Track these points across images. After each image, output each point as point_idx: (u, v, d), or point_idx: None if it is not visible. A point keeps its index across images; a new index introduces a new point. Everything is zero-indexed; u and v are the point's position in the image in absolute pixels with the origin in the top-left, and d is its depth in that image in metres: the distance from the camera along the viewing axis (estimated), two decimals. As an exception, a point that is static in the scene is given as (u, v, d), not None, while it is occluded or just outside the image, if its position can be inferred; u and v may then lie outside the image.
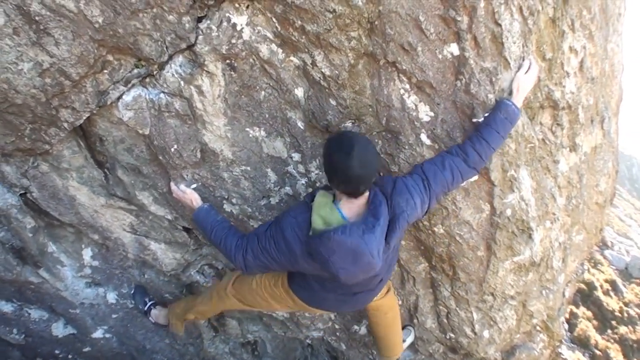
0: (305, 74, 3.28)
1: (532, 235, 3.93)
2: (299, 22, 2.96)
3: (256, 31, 3.08)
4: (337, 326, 5.05)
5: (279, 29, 3.06)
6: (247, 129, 3.52)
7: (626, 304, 15.99)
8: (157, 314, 4.63)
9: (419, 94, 3.23)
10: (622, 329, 14.54)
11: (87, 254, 4.36)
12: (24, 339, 4.73)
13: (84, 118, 3.26)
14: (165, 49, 3.03)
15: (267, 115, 3.47)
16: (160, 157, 3.53)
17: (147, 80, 3.24)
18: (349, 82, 3.21)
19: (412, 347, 4.89)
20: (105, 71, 3.06)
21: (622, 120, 5.27)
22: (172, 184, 3.66)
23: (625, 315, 15.31)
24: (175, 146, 3.47)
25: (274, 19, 3.03)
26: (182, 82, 3.21)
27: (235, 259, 3.02)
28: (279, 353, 5.62)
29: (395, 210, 2.76)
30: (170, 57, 3.14)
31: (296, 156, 3.65)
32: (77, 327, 4.83)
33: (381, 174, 3.65)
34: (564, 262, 4.66)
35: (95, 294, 4.63)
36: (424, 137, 3.36)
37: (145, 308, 4.65)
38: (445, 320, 4.46)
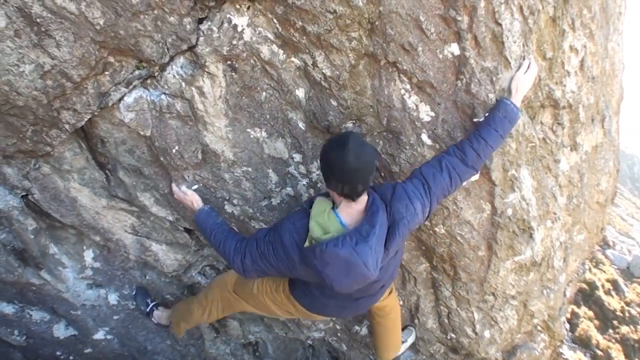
0: (306, 74, 3.28)
1: (533, 235, 3.93)
2: (300, 23, 2.97)
3: (257, 32, 3.09)
4: (338, 327, 5.05)
5: (280, 29, 3.07)
6: (248, 130, 3.52)
7: (628, 304, 15.97)
8: (160, 315, 4.63)
9: (420, 94, 3.24)
10: (624, 329, 14.52)
11: (88, 255, 4.36)
12: (25, 341, 4.73)
13: (86, 120, 3.27)
14: (166, 50, 3.04)
15: (268, 116, 3.47)
16: (162, 159, 3.54)
17: (149, 81, 3.25)
18: (350, 82, 3.22)
19: (413, 347, 4.89)
20: (107, 73, 3.07)
21: (623, 119, 5.27)
22: (174, 185, 3.66)
23: (627, 315, 15.30)
24: (177, 147, 3.47)
25: (274, 20, 3.03)
26: (183, 84, 3.22)
27: (234, 263, 3.01)
28: (280, 354, 5.62)
29: (394, 216, 2.73)
30: (172, 59, 3.15)
31: (297, 157, 3.65)
32: (78, 328, 4.83)
33: (382, 173, 3.66)
34: (565, 262, 4.66)
35: (96, 295, 4.63)
36: (424, 137, 3.36)
37: (148, 309, 4.65)
38: (446, 321, 4.46)
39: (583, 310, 14.58)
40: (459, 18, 2.93)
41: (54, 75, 2.89)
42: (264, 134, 3.55)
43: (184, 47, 3.07)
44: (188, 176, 3.67)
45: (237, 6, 2.99)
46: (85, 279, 4.50)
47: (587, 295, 15.44)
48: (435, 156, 3.07)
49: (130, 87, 3.21)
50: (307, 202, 2.94)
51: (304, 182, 3.76)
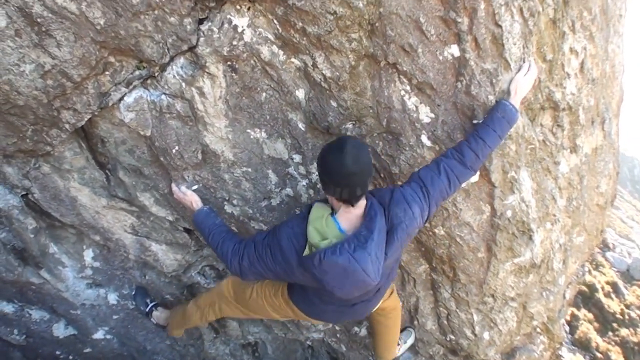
0: (306, 75, 3.29)
1: (533, 237, 3.93)
2: (300, 24, 2.97)
3: (257, 33, 3.09)
4: (337, 328, 5.05)
5: (280, 30, 3.07)
6: (248, 131, 3.53)
7: (627, 306, 15.99)
8: (159, 315, 4.63)
9: (420, 96, 3.24)
10: (623, 331, 14.53)
11: (88, 255, 4.37)
12: (25, 340, 4.74)
13: (86, 119, 3.27)
14: (166, 50, 3.04)
15: (268, 117, 3.48)
16: (162, 159, 3.54)
17: (149, 81, 3.25)
18: (350, 83, 3.22)
19: (413, 348, 4.89)
20: (107, 73, 3.07)
21: (623, 121, 5.27)
22: (173, 185, 3.66)
23: (627, 317, 15.31)
24: (177, 147, 3.48)
25: (275, 21, 3.04)
26: (183, 84, 3.22)
27: (231, 264, 3.00)
28: (280, 354, 5.63)
29: (393, 221, 2.71)
30: (172, 59, 3.15)
31: (297, 157, 3.65)
32: (78, 327, 4.84)
33: (382, 174, 3.66)
34: (564, 264, 4.66)
35: (96, 294, 4.64)
36: (424, 138, 3.37)
37: (147, 309, 4.66)
38: (445, 322, 4.46)
39: (583, 313, 14.59)
40: (459, 20, 2.93)
41: (54, 75, 2.89)
42: (263, 134, 3.55)
43: (185, 47, 3.08)
44: (188, 176, 3.67)
45: (238, 7, 2.99)
46: (85, 279, 4.50)
47: (587, 298, 15.45)
48: (433, 159, 3.05)
49: (131, 87, 3.21)
50: (305, 207, 2.92)
51: (304, 183, 3.76)
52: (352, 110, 3.33)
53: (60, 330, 4.82)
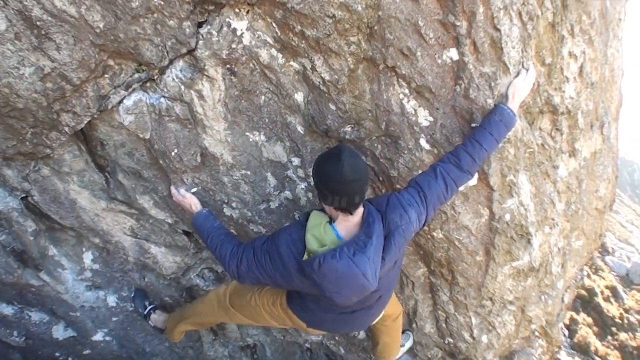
0: (305, 78, 3.29)
1: (531, 241, 3.93)
2: (299, 27, 2.98)
3: (256, 36, 3.10)
4: (336, 330, 5.06)
5: (279, 34, 3.08)
6: (247, 133, 3.53)
7: (627, 311, 15.95)
8: (157, 318, 4.64)
9: (418, 99, 3.25)
10: (623, 336, 14.50)
11: (87, 257, 4.37)
12: (25, 342, 4.74)
13: (85, 122, 3.28)
14: (165, 53, 3.05)
15: (267, 120, 3.48)
16: (161, 161, 3.55)
17: (148, 84, 3.26)
18: (349, 86, 3.23)
19: (411, 351, 4.89)
20: (106, 76, 3.08)
21: (623, 125, 5.27)
22: (173, 188, 3.67)
23: (626, 321, 15.28)
24: (176, 150, 3.48)
25: (274, 24, 3.05)
26: (182, 87, 3.23)
27: (229, 267, 3.00)
28: (278, 357, 5.63)
29: (390, 226, 2.71)
30: (171, 62, 3.16)
31: (296, 160, 3.66)
32: (77, 329, 4.84)
33: (380, 178, 3.67)
34: (563, 268, 4.66)
35: (95, 297, 4.64)
36: (423, 141, 3.37)
37: (145, 312, 4.66)
38: (443, 325, 4.46)
39: (582, 317, 14.56)
40: (458, 23, 2.94)
41: (53, 78, 2.90)
42: (262, 137, 3.56)
43: (184, 50, 3.08)
44: (187, 179, 3.67)
45: (237, 10, 3.00)
46: (85, 281, 4.50)
47: (586, 302, 15.43)
48: (430, 165, 3.07)
49: (130, 90, 3.22)
50: (303, 214, 2.91)
51: (303, 186, 3.77)
52: (350, 113, 3.34)
53: (59, 332, 4.81)
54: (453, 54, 3.07)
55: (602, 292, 16.32)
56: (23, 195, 3.74)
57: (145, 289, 4.76)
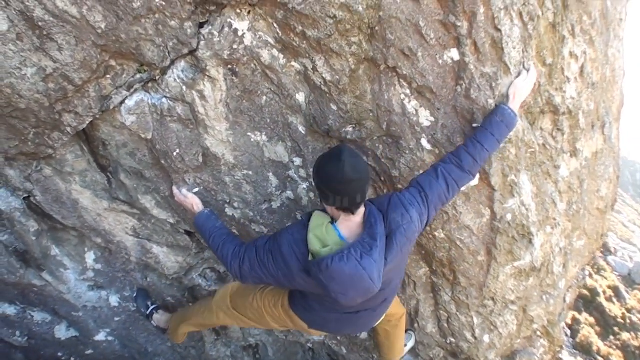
0: (306, 79, 3.30)
1: (533, 241, 3.93)
2: (300, 28, 2.98)
3: (257, 36, 3.10)
4: (338, 330, 5.06)
5: (280, 34, 3.08)
6: (249, 134, 3.54)
7: (629, 310, 15.96)
8: (159, 318, 4.64)
9: (420, 99, 3.25)
10: (625, 336, 14.51)
11: (90, 257, 4.38)
12: (27, 342, 4.75)
13: (87, 122, 3.29)
14: (167, 54, 3.06)
15: (268, 120, 3.49)
16: (163, 161, 3.55)
17: (150, 85, 3.27)
18: (350, 87, 3.23)
19: (413, 351, 4.89)
20: (108, 76, 3.08)
21: (625, 126, 5.28)
22: (175, 188, 3.67)
23: (628, 321, 15.29)
24: (178, 150, 3.49)
25: (275, 25, 3.05)
26: (184, 87, 3.24)
27: (231, 267, 3.00)
28: (281, 357, 5.63)
29: (391, 226, 2.71)
30: (173, 62, 3.16)
31: (297, 161, 3.66)
32: (79, 329, 4.85)
33: (382, 178, 3.67)
34: (564, 268, 4.66)
35: (98, 297, 4.65)
36: (424, 142, 3.37)
37: (148, 312, 4.67)
38: (445, 325, 4.46)
39: (584, 317, 14.57)
40: (459, 24, 2.94)
41: (55, 79, 2.91)
42: (264, 137, 3.57)
43: (185, 51, 3.09)
44: (189, 179, 3.68)
45: (238, 11, 3.01)
46: (87, 281, 4.51)
47: (588, 302, 15.43)
48: (432, 165, 3.07)
49: (132, 90, 3.23)
50: (305, 214, 2.92)
51: (304, 186, 3.77)
52: (352, 113, 3.34)
53: (62, 332, 4.83)
54: (454, 54, 3.07)
55: (604, 292, 16.33)
56: (25, 195, 3.75)
57: (147, 289, 4.77)
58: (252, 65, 3.23)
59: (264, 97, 3.39)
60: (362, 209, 2.72)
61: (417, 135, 3.36)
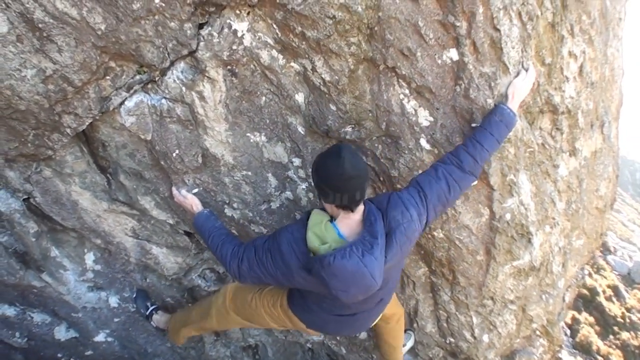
0: (305, 79, 3.30)
1: (532, 240, 3.94)
2: (299, 28, 2.99)
3: (257, 37, 3.11)
4: (338, 330, 5.06)
5: (280, 35, 3.09)
6: (248, 134, 3.54)
7: (628, 310, 15.97)
8: (159, 319, 4.65)
9: (419, 99, 3.26)
10: (624, 335, 14.52)
11: (89, 258, 4.38)
12: (27, 343, 4.75)
13: (87, 124, 3.29)
14: (166, 55, 3.06)
15: (267, 121, 3.49)
16: (162, 162, 3.56)
17: (149, 86, 3.27)
18: (349, 87, 3.24)
19: (412, 351, 4.89)
20: (108, 77, 3.09)
21: (625, 125, 5.29)
22: (174, 189, 3.68)
23: (628, 321, 15.30)
24: (177, 151, 3.49)
25: (274, 25, 3.06)
26: (183, 88, 3.24)
27: (230, 267, 3.01)
28: (280, 357, 5.63)
29: (391, 224, 2.71)
30: (172, 64, 3.17)
31: (297, 161, 3.67)
32: (79, 330, 4.85)
33: (381, 178, 3.67)
34: (563, 267, 4.66)
35: (97, 297, 4.65)
36: (423, 141, 3.38)
37: (147, 313, 4.67)
38: (445, 325, 4.46)
39: (584, 316, 14.58)
40: (458, 24, 2.95)
41: (55, 80, 2.91)
42: (263, 138, 3.57)
43: (185, 52, 3.09)
44: (188, 180, 3.68)
45: (237, 12, 3.01)
46: (86, 282, 4.51)
47: (587, 301, 15.44)
48: (431, 165, 3.07)
49: (131, 91, 3.23)
50: (304, 213, 2.93)
51: (303, 186, 3.78)
52: (351, 113, 3.35)
53: (61, 333, 4.82)
54: (453, 54, 3.07)
55: (604, 292, 16.34)
56: (25, 196, 3.75)
57: (146, 290, 4.77)
58: (252, 66, 3.24)
59: (263, 98, 3.39)
60: (361, 207, 2.73)
61: (416, 135, 3.36)
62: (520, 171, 3.60)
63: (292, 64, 3.24)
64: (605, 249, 20.12)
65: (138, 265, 4.51)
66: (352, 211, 2.68)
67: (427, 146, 3.39)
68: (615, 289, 16.89)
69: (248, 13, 3.03)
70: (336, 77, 3.18)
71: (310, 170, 3.64)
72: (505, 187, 3.58)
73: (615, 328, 14.74)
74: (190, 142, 3.50)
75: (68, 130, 3.26)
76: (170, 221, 4.13)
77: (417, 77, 3.14)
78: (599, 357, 12.89)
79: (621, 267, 19.17)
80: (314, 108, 3.38)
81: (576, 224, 4.64)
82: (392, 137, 3.43)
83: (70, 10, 2.65)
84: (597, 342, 13.40)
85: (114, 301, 4.75)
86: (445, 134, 3.31)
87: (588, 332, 13.66)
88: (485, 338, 4.43)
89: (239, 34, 3.08)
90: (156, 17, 2.85)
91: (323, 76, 3.19)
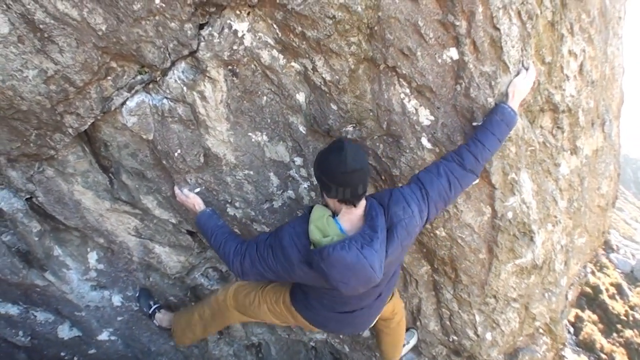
0: (306, 79, 3.31)
1: (534, 238, 3.94)
2: (300, 28, 2.99)
3: (257, 37, 3.12)
4: (340, 329, 5.07)
5: (280, 35, 3.09)
6: (250, 134, 3.55)
7: (632, 308, 15.95)
8: (162, 318, 4.66)
9: (419, 98, 3.26)
10: (628, 333, 14.50)
11: (92, 257, 4.39)
12: (30, 341, 4.76)
13: (89, 124, 3.30)
14: (167, 55, 3.07)
15: (269, 120, 3.50)
16: (164, 162, 3.57)
17: (151, 86, 3.28)
18: (350, 86, 3.24)
19: (416, 349, 4.90)
20: (109, 78, 3.10)
21: (627, 123, 5.30)
22: (176, 188, 3.69)
23: (631, 318, 15.28)
24: (179, 151, 3.50)
25: (274, 25, 3.06)
26: (184, 88, 3.25)
27: (233, 265, 3.04)
28: (283, 355, 5.64)
29: (392, 219, 2.74)
30: (173, 64, 3.18)
31: (298, 160, 3.68)
32: (82, 329, 4.85)
33: (383, 177, 3.68)
34: (566, 265, 4.67)
35: (100, 296, 4.66)
36: (424, 140, 3.38)
37: (150, 311, 4.68)
38: (448, 323, 4.47)
39: (587, 314, 14.56)
40: (458, 23, 2.95)
41: (57, 80, 2.92)
42: (265, 137, 3.58)
43: (185, 52, 3.10)
44: (190, 179, 3.69)
45: (238, 12, 3.02)
46: (89, 281, 4.52)
47: (591, 299, 15.42)
48: (433, 162, 3.09)
49: (133, 91, 3.24)
50: (306, 208, 2.97)
51: (305, 185, 3.78)
52: (352, 113, 3.35)
53: (65, 331, 4.83)
54: (453, 53, 3.08)
55: (607, 290, 16.32)
56: (28, 196, 3.76)
57: (149, 289, 4.78)
58: (252, 65, 3.24)
59: (265, 98, 3.40)
60: (363, 202, 2.76)
61: (417, 134, 3.37)
62: (521, 170, 3.60)
63: (293, 63, 3.25)
64: (608, 247, 20.08)
65: (141, 264, 4.52)
66: (355, 206, 2.72)
67: (428, 145, 3.39)
68: (618, 287, 16.87)
69: (248, 13, 3.03)
70: (337, 77, 3.19)
71: (311, 169, 3.65)
72: (507, 186, 3.59)
73: (619, 326, 14.72)
74: (192, 142, 3.51)
75: (70, 130, 3.28)
76: (173, 220, 4.14)
77: (418, 76, 3.15)
78: (602, 355, 12.88)
79: (624, 265, 19.14)
80: (315, 107, 3.39)
81: (578, 222, 4.64)
82: (393, 136, 3.44)
83: (71, 11, 2.66)
84: (600, 340, 13.39)
85: (117, 300, 4.76)
86: (446, 133, 3.32)
87: (591, 330, 13.64)
88: (488, 336, 4.44)
89: (240, 34, 3.08)
90: (157, 17, 2.86)
91: (324, 76, 3.20)
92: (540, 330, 4.99)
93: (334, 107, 3.33)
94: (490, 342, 4.50)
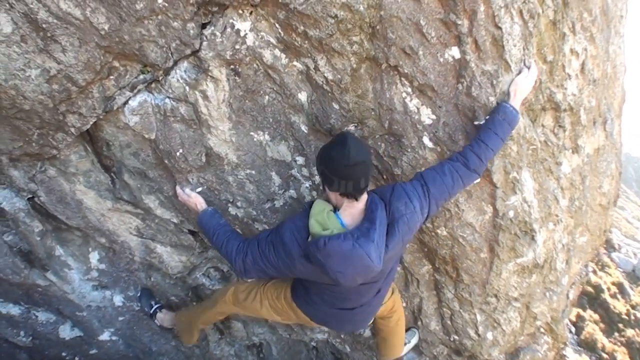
0: (308, 78, 3.31)
1: (535, 237, 3.94)
2: (302, 28, 3.00)
3: (259, 37, 3.12)
4: (342, 328, 5.07)
5: (282, 34, 3.10)
6: (252, 133, 3.55)
7: (633, 307, 15.94)
8: (163, 317, 4.66)
9: (421, 97, 3.26)
10: (629, 332, 14.49)
11: (94, 257, 4.40)
12: (32, 341, 4.76)
13: (91, 123, 3.30)
14: (170, 54, 3.07)
15: (271, 120, 3.50)
16: (166, 161, 3.57)
17: (153, 85, 3.28)
18: (352, 86, 3.25)
19: (417, 349, 4.90)
20: (112, 77, 3.10)
21: (630, 122, 5.30)
22: (178, 188, 3.69)
23: (633, 318, 15.27)
24: (181, 150, 3.51)
25: (277, 25, 3.06)
26: (187, 88, 3.25)
27: (235, 263, 3.05)
28: (284, 355, 5.64)
29: (394, 214, 2.77)
30: (175, 63, 3.18)
31: (300, 160, 3.68)
32: (84, 329, 4.86)
33: (384, 176, 3.68)
34: (567, 264, 4.66)
35: (102, 296, 4.67)
36: (426, 139, 3.39)
37: (151, 311, 4.69)
38: (449, 322, 4.47)
39: (589, 314, 14.55)
40: (459, 22, 2.95)
41: (59, 80, 2.93)
42: (267, 137, 3.58)
43: (188, 51, 3.10)
44: (192, 179, 3.70)
45: (240, 11, 3.02)
46: (91, 281, 4.53)
47: (592, 299, 15.41)
48: (439, 162, 3.13)
49: (135, 91, 3.24)
50: (307, 203, 2.99)
51: (307, 185, 3.79)
52: (354, 112, 3.35)
53: (66, 331, 4.84)
54: (455, 52, 3.08)
55: (608, 289, 16.31)
56: (30, 195, 3.76)
57: (151, 289, 4.78)
58: (255, 65, 3.25)
59: (267, 97, 3.40)
60: (364, 196, 2.78)
61: (419, 133, 3.37)
62: (523, 169, 3.60)
63: (295, 63, 3.25)
64: (610, 246, 20.08)
65: (142, 264, 4.53)
66: (356, 199, 2.73)
67: (430, 144, 3.39)
68: (620, 286, 16.86)
69: (251, 13, 3.04)
70: (339, 76, 3.19)
71: (313, 168, 3.66)
72: (508, 185, 3.59)
73: (620, 325, 14.71)
74: (194, 141, 3.51)
75: (72, 130, 3.28)
76: (175, 220, 4.14)
77: (420, 75, 3.15)
78: (604, 354, 12.87)
79: (626, 265, 19.13)
80: (317, 107, 3.39)
81: (579, 221, 4.64)
82: (394, 136, 3.44)
83: (73, 11, 2.67)
84: (602, 340, 13.38)
85: (118, 300, 4.77)
86: (448, 132, 3.32)
87: (593, 329, 13.64)
88: (490, 335, 4.44)
89: (242, 34, 3.09)
90: (159, 17, 2.86)
91: (326, 75, 3.20)
92: (542, 330, 4.99)
93: (336, 106, 3.33)
94: (491, 341, 4.49)
